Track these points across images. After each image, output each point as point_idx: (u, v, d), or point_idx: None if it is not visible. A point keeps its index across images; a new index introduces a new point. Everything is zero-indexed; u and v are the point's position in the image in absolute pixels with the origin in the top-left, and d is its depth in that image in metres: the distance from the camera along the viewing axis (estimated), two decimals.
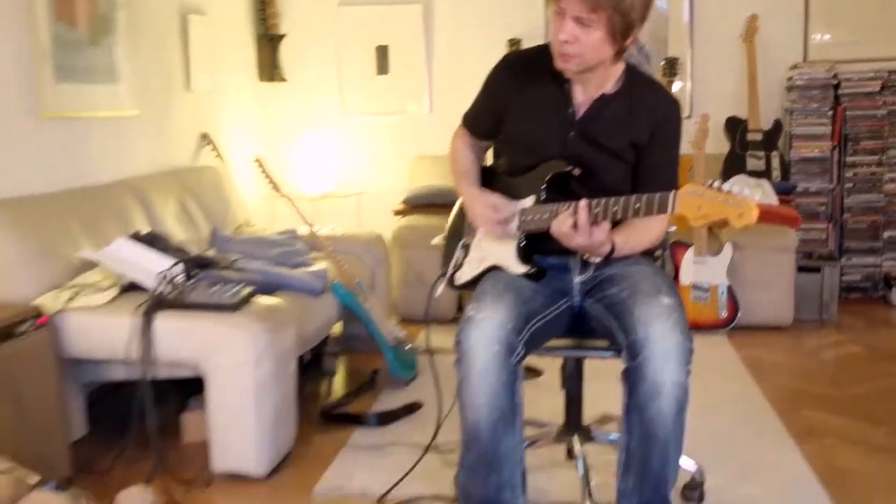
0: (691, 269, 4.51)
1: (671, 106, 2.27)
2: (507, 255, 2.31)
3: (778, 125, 5.09)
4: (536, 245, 2.28)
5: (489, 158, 2.61)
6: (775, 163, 4.99)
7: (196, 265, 3.15)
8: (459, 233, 2.54)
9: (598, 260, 2.22)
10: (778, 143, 5.05)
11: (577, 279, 2.36)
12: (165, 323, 2.75)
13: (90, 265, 3.04)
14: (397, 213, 5.06)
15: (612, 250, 2.16)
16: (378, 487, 2.70)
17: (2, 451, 2.38)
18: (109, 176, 3.71)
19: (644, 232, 2.26)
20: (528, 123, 2.31)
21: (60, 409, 2.73)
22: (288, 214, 4.44)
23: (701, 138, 4.49)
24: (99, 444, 3.06)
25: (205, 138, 4.66)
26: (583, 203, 2.06)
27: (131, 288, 2.92)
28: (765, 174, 4.94)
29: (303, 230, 4.12)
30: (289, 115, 5.63)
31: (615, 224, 2.15)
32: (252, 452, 2.75)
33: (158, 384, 2.79)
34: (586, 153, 2.25)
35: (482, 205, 2.32)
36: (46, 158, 3.33)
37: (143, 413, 2.72)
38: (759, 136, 5.05)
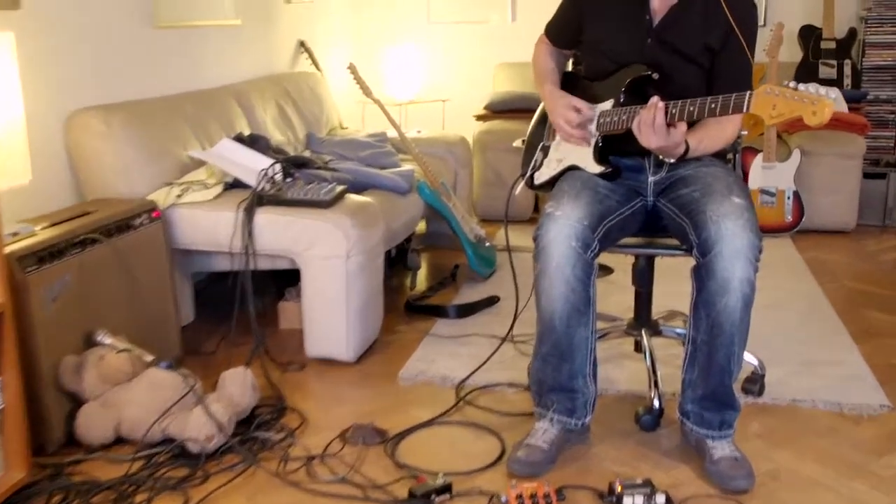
0: (760, 174, 4.43)
1: (748, 9, 2.22)
2: (584, 155, 2.29)
3: (852, 33, 4.91)
4: (613, 146, 2.27)
5: (569, 66, 2.60)
6: (847, 71, 4.83)
7: (293, 164, 3.15)
8: (540, 136, 2.52)
9: (672, 160, 2.20)
10: (851, 52, 4.88)
11: (652, 179, 2.33)
12: (265, 218, 2.77)
13: (198, 164, 3.07)
14: (479, 118, 5.02)
15: (686, 151, 2.14)
16: (458, 374, 2.72)
17: (122, 333, 2.46)
18: (214, 81, 3.74)
19: (717, 133, 2.22)
20: (608, 31, 2.30)
21: (172, 295, 2.79)
22: (377, 118, 4.42)
23: (775, 46, 4.36)
24: (205, 329, 3.13)
25: (302, 46, 4.65)
26: (660, 103, 2.03)
27: (235, 185, 2.94)
28: (836, 83, 4.78)
29: (391, 133, 4.08)
30: (379, 24, 5.61)
31: (690, 126, 2.12)
32: (342, 339, 2.78)
33: (258, 275, 2.83)
34: (663, 58, 2.23)
35: (564, 105, 2.30)
36: (159, 65, 3.38)
37: (244, 301, 2.76)
38: (832, 45, 4.88)
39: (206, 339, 3.06)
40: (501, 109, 4.95)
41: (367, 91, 4.06)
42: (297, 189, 2.88)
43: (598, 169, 2.25)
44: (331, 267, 2.75)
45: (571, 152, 2.33)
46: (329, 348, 2.82)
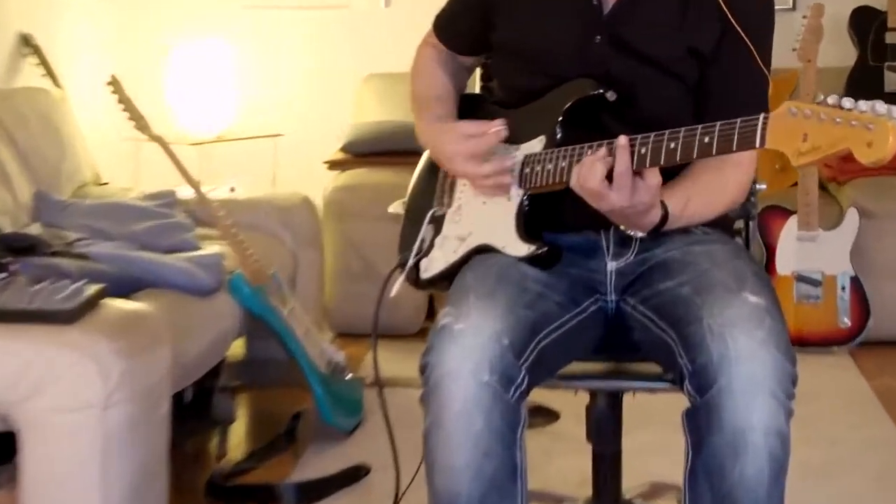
0: (794, 250, 4.51)
1: None
2: (501, 229, 2.31)
3: None
4: (548, 212, 2.30)
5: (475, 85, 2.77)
6: None
7: (9, 249, 3.09)
8: (429, 196, 2.55)
9: (642, 234, 2.22)
10: None
11: (612, 266, 2.35)
12: None
13: None
14: (334, 165, 5.13)
15: (665, 218, 2.16)
16: None
17: None
18: None
19: (714, 187, 2.28)
20: (535, 26, 2.36)
21: None
22: (161, 168, 4.37)
23: (811, 42, 4.47)
24: None
25: (27, 44, 4.60)
26: (622, 141, 2.05)
27: None
28: None
29: (184, 192, 4.07)
30: (160, 16, 5.66)
31: (668, 176, 2.17)
32: None
33: None
34: (622, 68, 2.29)
35: (456, 137, 2.33)
36: None
37: None
38: None
39: None
40: (369, 151, 5.02)
41: (140, 121, 4.00)
42: (13, 292, 2.76)
43: (524, 250, 2.26)
44: (74, 426, 2.61)
45: (480, 224, 2.37)
46: None
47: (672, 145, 2.02)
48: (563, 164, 2.20)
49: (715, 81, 2.29)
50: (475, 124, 2.33)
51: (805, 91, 4.47)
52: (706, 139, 1.97)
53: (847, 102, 1.76)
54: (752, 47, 2.21)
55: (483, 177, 2.31)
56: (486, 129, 2.29)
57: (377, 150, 5.01)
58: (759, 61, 2.24)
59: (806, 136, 1.80)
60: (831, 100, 1.79)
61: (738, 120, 1.93)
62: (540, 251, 2.25)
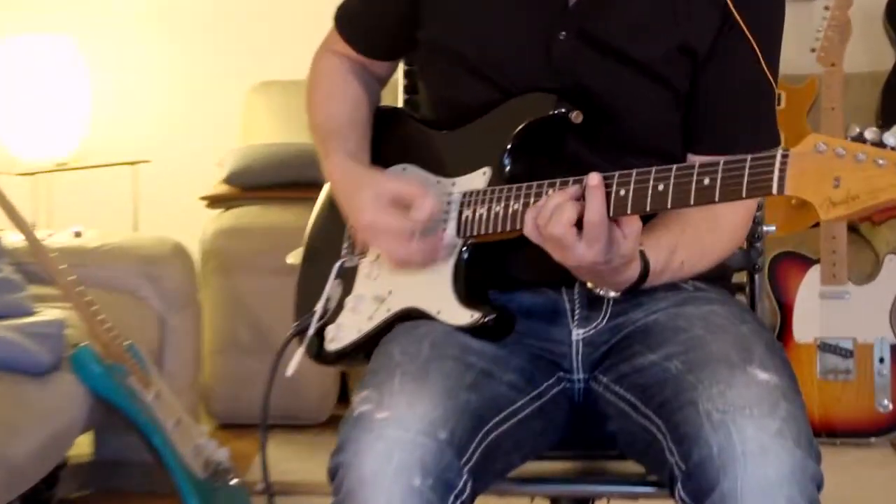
0: (816, 310, 4.53)
1: None
2: (434, 288, 2.30)
3: None
4: (495, 266, 2.31)
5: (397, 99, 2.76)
6: None
7: None
8: (335, 242, 2.53)
9: (615, 294, 2.23)
10: None
11: (578, 334, 2.36)
12: None
13: None
14: (214, 201, 5.21)
15: (645, 274, 2.17)
16: None
17: None
18: None
19: (706, 235, 2.29)
20: (474, 19, 2.36)
21: None
22: None
23: (836, 41, 4.49)
24: None
25: None
26: (594, 181, 2.02)
27: None
28: None
29: (11, 238, 4.07)
30: None
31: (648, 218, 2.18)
32: None
33: None
34: (594, 72, 2.29)
35: (375, 201, 2.29)
36: None
37: None
38: None
39: None
40: (260, 183, 5.10)
41: None
42: None
43: (465, 318, 2.23)
44: None
45: (406, 280, 2.34)
46: None
47: (661, 187, 2.01)
48: (516, 206, 2.18)
49: (710, 89, 2.30)
50: (404, 185, 2.30)
51: (828, 103, 4.51)
52: (706, 181, 1.95)
53: (891, 138, 1.74)
54: (757, 46, 2.23)
55: (403, 261, 2.29)
56: (416, 195, 2.25)
57: (271, 181, 5.07)
58: (766, 65, 2.25)
59: (839, 181, 1.77)
60: (870, 134, 1.76)
61: (748, 158, 1.90)
62: (486, 319, 2.21)
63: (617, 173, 2.05)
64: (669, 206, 2.02)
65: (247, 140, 5.43)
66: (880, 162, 1.74)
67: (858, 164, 1.77)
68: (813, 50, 4.48)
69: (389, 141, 2.46)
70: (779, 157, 1.86)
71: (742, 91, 2.30)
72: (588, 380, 2.35)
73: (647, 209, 2.04)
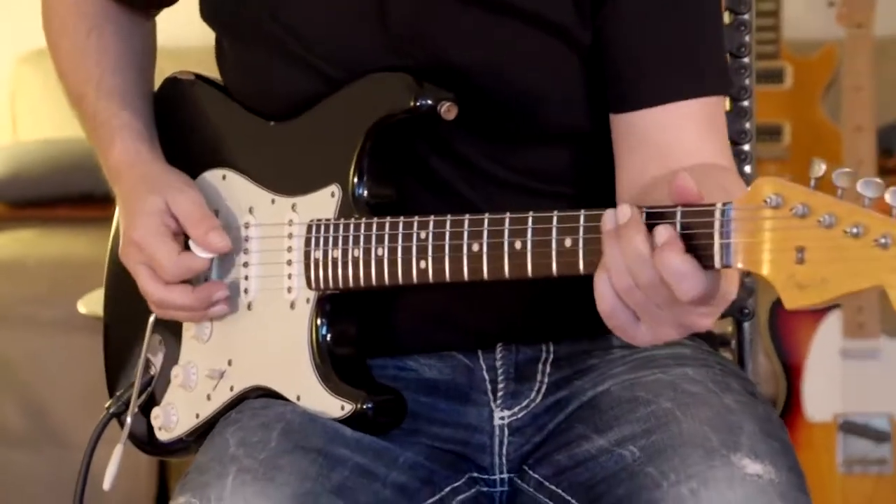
0: (837, 373, 4.16)
1: None
2: (287, 363, 2.07)
3: None
4: (374, 323, 2.08)
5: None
6: None
7: None
8: None
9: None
10: None
11: (503, 418, 2.10)
12: None
13: None
14: None
15: None
16: None
17: None
18: None
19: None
20: None
21: None
22: None
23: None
24: None
25: None
26: (631, 212, 1.69)
27: None
28: None
29: None
30: None
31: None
32: None
33: None
34: (468, 32, 2.03)
35: (161, 211, 2.04)
36: None
37: None
38: None
39: None
40: (35, 198, 4.93)
41: None
42: None
43: (334, 408, 1.99)
44: None
45: (249, 344, 2.13)
46: None
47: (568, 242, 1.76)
48: (380, 251, 1.94)
49: (624, 22, 1.98)
50: (203, 211, 2.03)
51: (852, 81, 4.14)
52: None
53: (870, 189, 1.43)
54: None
55: (158, 305, 2.04)
56: (208, 227, 1.99)
57: (52, 194, 4.86)
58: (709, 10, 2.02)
59: (803, 253, 1.48)
60: (842, 180, 1.44)
61: (678, 210, 1.60)
62: (364, 407, 1.95)
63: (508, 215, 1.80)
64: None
65: (17, 135, 5.27)
66: (854, 231, 1.46)
67: (826, 232, 1.49)
68: (831, 4, 4.08)
69: (195, 129, 2.18)
70: (718, 212, 1.58)
71: (668, 13, 2.00)
72: (513, 479, 2.12)
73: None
